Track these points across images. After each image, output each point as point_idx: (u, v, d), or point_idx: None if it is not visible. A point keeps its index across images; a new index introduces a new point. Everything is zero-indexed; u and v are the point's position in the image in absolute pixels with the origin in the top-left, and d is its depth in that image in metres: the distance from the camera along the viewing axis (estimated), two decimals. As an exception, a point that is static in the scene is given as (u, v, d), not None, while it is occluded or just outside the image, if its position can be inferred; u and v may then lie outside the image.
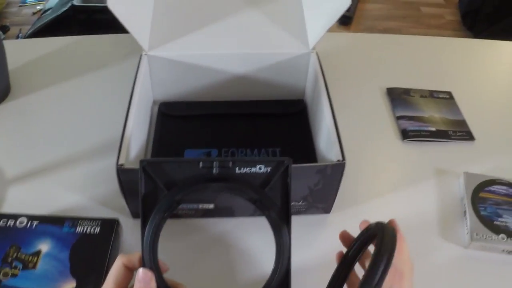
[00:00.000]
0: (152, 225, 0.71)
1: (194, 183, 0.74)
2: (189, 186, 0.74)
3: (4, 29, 3.68)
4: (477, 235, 1.04)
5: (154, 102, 1.31)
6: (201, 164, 0.75)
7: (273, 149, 1.18)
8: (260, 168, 0.75)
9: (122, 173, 0.92)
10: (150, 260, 0.71)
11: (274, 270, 0.74)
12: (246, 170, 0.75)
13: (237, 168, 0.75)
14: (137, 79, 1.13)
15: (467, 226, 1.07)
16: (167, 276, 0.74)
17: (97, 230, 0.98)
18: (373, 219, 1.09)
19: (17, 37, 3.60)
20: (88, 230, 0.98)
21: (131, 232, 1.04)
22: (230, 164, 0.75)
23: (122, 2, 1.07)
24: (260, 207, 0.75)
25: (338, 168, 0.95)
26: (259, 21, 1.27)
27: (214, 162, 0.75)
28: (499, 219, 1.08)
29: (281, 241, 0.74)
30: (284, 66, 1.25)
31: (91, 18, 3.27)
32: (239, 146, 1.19)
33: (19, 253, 0.94)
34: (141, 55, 1.20)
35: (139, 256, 0.71)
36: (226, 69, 1.25)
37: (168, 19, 1.26)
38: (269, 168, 0.75)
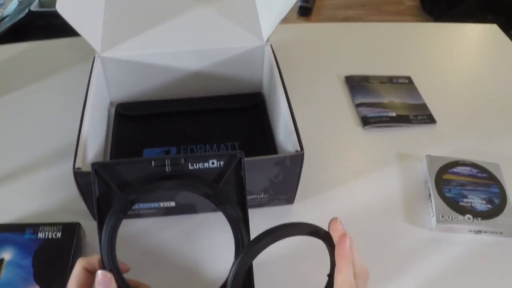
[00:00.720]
0: (108, 227, 0.71)
1: (146, 182, 0.74)
2: (142, 186, 0.74)
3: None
4: (442, 217, 1.05)
5: (111, 104, 1.30)
6: (153, 163, 0.74)
7: (232, 144, 1.17)
8: (212, 163, 0.75)
9: (80, 177, 0.91)
10: (109, 261, 0.70)
11: (234, 264, 0.72)
12: (199, 165, 0.75)
13: (189, 165, 0.75)
14: (91, 81, 1.12)
15: (432, 208, 1.08)
16: (130, 276, 0.74)
17: (59, 235, 0.97)
18: (337, 207, 1.09)
19: (-24, 46, 3.58)
20: (49, 236, 0.96)
21: (94, 235, 1.02)
22: (182, 161, 0.75)
23: (72, 5, 1.05)
24: (215, 202, 0.75)
25: (297, 159, 0.95)
26: (212, 16, 1.26)
27: (166, 160, 0.74)
28: (464, 199, 1.08)
29: (239, 235, 0.74)
30: (239, 60, 1.25)
31: (50, 23, 3.25)
32: (197, 142, 1.18)
33: (-19, 263, 0.93)
34: (94, 57, 1.18)
35: (98, 259, 0.71)
36: (182, 67, 1.25)
37: (120, 19, 1.25)
38: (221, 163, 0.75)
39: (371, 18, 4.04)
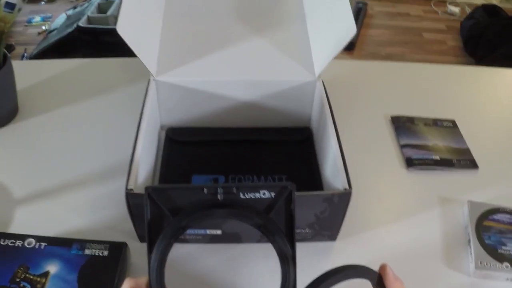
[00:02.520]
0: (158, 250, 0.72)
1: (199, 209, 0.74)
2: (194, 212, 0.74)
3: (10, 48, 3.69)
4: (481, 263, 1.05)
5: (162, 127, 1.32)
6: (205, 190, 0.74)
7: (279, 176, 1.19)
8: (264, 194, 0.75)
9: (131, 198, 0.93)
10: (157, 285, 0.71)
11: None
12: (251, 195, 0.75)
13: (241, 194, 0.75)
14: (146, 104, 1.14)
15: (471, 254, 1.07)
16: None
17: (105, 253, 0.98)
18: (378, 246, 1.10)
19: (22, 57, 3.62)
20: (96, 253, 0.98)
21: (138, 256, 1.04)
22: (234, 190, 0.75)
23: (131, 27, 1.08)
24: (265, 232, 0.75)
25: (345, 197, 0.96)
26: (265, 48, 1.28)
27: (219, 188, 0.75)
28: (503, 247, 1.08)
29: (287, 268, 0.74)
30: (290, 93, 1.26)
31: (97, 39, 3.30)
32: (245, 172, 1.19)
33: (27, 274, 0.94)
34: (149, 80, 1.20)
35: (146, 281, 0.72)
36: (233, 96, 1.26)
37: (176, 44, 1.27)
38: (272, 194, 0.75)
39: (413, 57, 4.04)
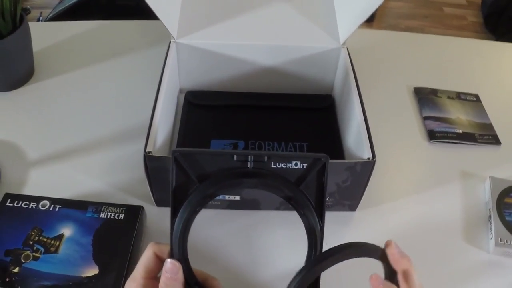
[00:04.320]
0: (182, 217, 0.69)
1: (228, 177, 0.72)
2: (223, 180, 0.72)
3: (25, 11, 3.68)
4: (501, 240, 1.04)
5: (181, 91, 1.31)
6: (235, 157, 0.72)
7: (300, 144, 1.17)
8: (296, 164, 0.73)
9: (149, 160, 0.93)
10: (180, 252, 0.69)
11: (304, 268, 0.69)
12: (282, 165, 0.72)
13: (272, 163, 0.72)
14: (166, 67, 1.13)
15: (491, 231, 1.07)
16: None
17: (121, 216, 0.98)
18: (397, 219, 1.09)
19: (38, 20, 3.60)
20: (112, 216, 0.98)
21: (154, 220, 1.04)
22: (265, 158, 0.72)
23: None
24: (294, 205, 0.72)
25: (368, 166, 0.95)
26: (289, 14, 1.27)
27: (249, 156, 0.72)
28: (524, 224, 1.07)
29: (314, 242, 0.72)
30: (313, 60, 1.25)
31: (113, 3, 3.28)
32: (265, 139, 1.18)
33: (41, 236, 0.94)
34: (170, 43, 1.19)
35: (169, 249, 0.70)
36: (254, 60, 1.25)
37: (197, 8, 1.26)
38: (305, 165, 0.73)
39: (433, 31, 4.01)
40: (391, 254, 0.68)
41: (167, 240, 0.70)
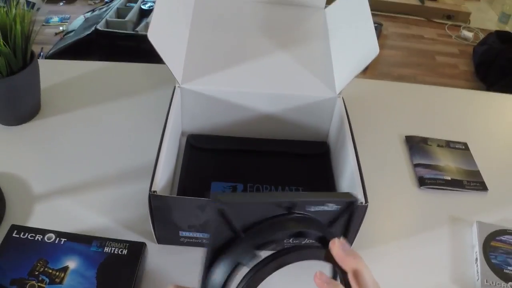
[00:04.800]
0: (225, 272, 0.63)
1: (274, 225, 0.67)
2: (269, 230, 0.66)
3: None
4: (487, 281, 1.08)
5: (182, 133, 1.35)
6: (279, 204, 0.67)
7: (296, 188, 1.21)
8: (329, 206, 0.71)
9: (154, 200, 0.96)
10: None
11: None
12: (317, 208, 0.70)
13: (306, 206, 0.69)
14: (171, 110, 1.17)
15: (478, 272, 1.10)
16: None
17: (125, 251, 1.01)
18: (387, 261, 1.12)
19: (39, 56, 3.64)
20: (115, 251, 1.00)
21: (154, 257, 1.07)
22: (303, 203, 0.68)
23: (161, 35, 1.11)
24: (323, 244, 0.68)
25: (361, 210, 0.99)
26: (288, 63, 1.31)
27: (296, 202, 0.68)
28: (509, 267, 1.11)
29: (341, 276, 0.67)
30: (310, 108, 1.29)
31: (113, 44, 3.32)
32: (263, 182, 1.22)
33: (46, 268, 0.97)
34: (175, 87, 1.23)
35: None
36: (254, 107, 1.29)
37: (202, 54, 1.30)
38: (338, 207, 0.71)
39: (425, 79, 4.05)
40: (336, 254, 0.65)
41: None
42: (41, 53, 3.72)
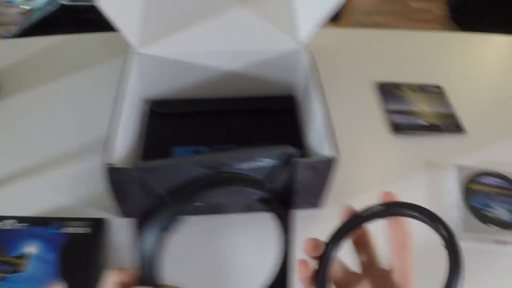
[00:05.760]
0: (153, 238, 0.62)
1: (199, 188, 0.65)
2: (195, 193, 0.64)
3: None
4: (468, 225, 1.06)
5: (144, 100, 1.30)
6: (204, 164, 0.66)
7: (263, 145, 1.16)
8: (264, 162, 0.69)
9: (111, 172, 0.91)
10: (154, 277, 0.62)
11: (278, 266, 0.71)
12: (250, 165, 0.68)
13: (241, 164, 0.67)
14: (126, 77, 1.12)
15: (459, 217, 1.08)
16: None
17: (86, 230, 0.97)
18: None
19: (4, 37, 3.59)
20: (77, 231, 0.97)
21: (119, 232, 1.04)
22: (231, 161, 0.67)
23: (113, 1, 1.07)
24: (269, 205, 0.69)
25: (330, 164, 0.96)
26: (249, 18, 1.27)
27: (218, 161, 0.66)
28: (490, 210, 1.09)
29: (288, 239, 0.70)
30: (274, 62, 1.25)
31: (80, 17, 3.26)
32: (228, 143, 1.18)
33: (5, 256, 0.93)
34: (130, 53, 1.19)
35: (134, 274, 0.61)
36: (216, 66, 1.25)
37: (158, 17, 1.26)
38: (273, 162, 0.69)
39: (399, 25, 4.03)
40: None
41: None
42: (7, 34, 3.66)
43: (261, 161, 0.68)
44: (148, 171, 0.65)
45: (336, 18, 3.88)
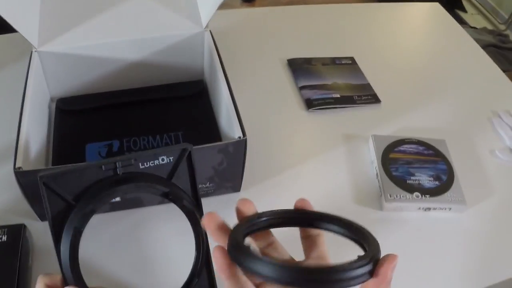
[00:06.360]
0: (68, 242, 0.66)
1: (102, 189, 0.70)
2: (98, 194, 0.69)
3: None
4: (390, 196, 1.06)
5: (52, 99, 1.27)
6: (103, 167, 0.70)
7: (175, 133, 1.16)
8: (163, 160, 0.73)
9: (21, 176, 0.89)
10: (74, 279, 0.67)
11: (197, 258, 0.74)
12: (150, 164, 0.72)
13: (140, 164, 0.72)
14: (29, 77, 1.09)
15: (380, 188, 1.08)
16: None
17: (4, 238, 0.94)
18: (284, 192, 1.08)
19: None
20: None
21: (41, 236, 1.01)
22: (133, 161, 0.71)
23: (7, 0, 1.04)
24: (173, 199, 0.73)
25: (240, 145, 0.95)
26: (149, 4, 1.25)
27: (117, 163, 0.70)
28: (412, 177, 1.10)
29: (198, 229, 0.73)
30: (179, 47, 1.24)
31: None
32: (140, 134, 1.16)
33: None
34: (31, 52, 1.15)
35: (61, 277, 0.67)
36: (121, 57, 1.23)
37: (56, 12, 1.22)
38: (171, 158, 0.73)
39: (315, 1, 4.04)
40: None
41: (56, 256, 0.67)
42: None
43: (159, 159, 0.72)
44: (54, 179, 0.67)
45: (251, 0, 3.89)
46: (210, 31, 1.21)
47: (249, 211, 0.66)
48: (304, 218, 0.68)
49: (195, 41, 1.23)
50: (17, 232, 0.95)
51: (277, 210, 0.67)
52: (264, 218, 0.66)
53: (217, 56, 1.14)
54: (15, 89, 1.12)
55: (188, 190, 0.75)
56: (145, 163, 0.72)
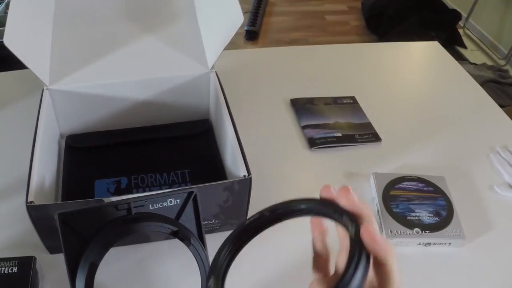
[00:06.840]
0: (83, 276, 0.69)
1: (117, 227, 0.74)
2: (111, 232, 0.73)
3: None
4: (391, 232, 1.08)
5: (61, 136, 1.30)
6: (118, 207, 0.74)
7: (182, 171, 1.18)
8: (171, 202, 0.76)
9: (33, 210, 0.91)
10: None
11: None
12: (159, 205, 0.76)
13: (150, 205, 0.75)
14: (40, 114, 1.12)
15: (381, 224, 1.10)
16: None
17: (14, 269, 0.95)
18: (288, 230, 1.10)
19: None
20: (4, 271, 0.96)
21: (50, 268, 1.02)
22: (145, 202, 0.75)
23: (20, 38, 1.06)
24: (181, 238, 0.76)
25: (245, 183, 0.97)
26: (157, 45, 1.28)
27: (131, 203, 0.74)
28: (412, 214, 1.12)
29: (204, 267, 0.76)
30: (185, 88, 1.26)
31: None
32: (148, 171, 1.19)
33: None
34: (42, 90, 1.18)
35: None
36: (129, 96, 1.25)
37: (67, 51, 1.25)
38: (178, 200, 0.77)
39: (317, 40, 4.07)
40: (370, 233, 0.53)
41: (64, 286, 0.68)
42: None
43: (167, 201, 0.76)
44: (71, 217, 0.70)
45: (254, 38, 3.91)
46: (215, 72, 1.24)
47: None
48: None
49: (201, 81, 1.26)
50: (27, 264, 0.96)
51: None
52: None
53: (222, 97, 1.17)
54: (25, 124, 1.14)
55: (194, 229, 0.79)
56: (155, 205, 0.76)
